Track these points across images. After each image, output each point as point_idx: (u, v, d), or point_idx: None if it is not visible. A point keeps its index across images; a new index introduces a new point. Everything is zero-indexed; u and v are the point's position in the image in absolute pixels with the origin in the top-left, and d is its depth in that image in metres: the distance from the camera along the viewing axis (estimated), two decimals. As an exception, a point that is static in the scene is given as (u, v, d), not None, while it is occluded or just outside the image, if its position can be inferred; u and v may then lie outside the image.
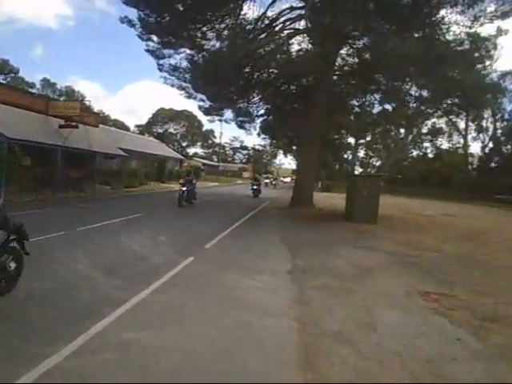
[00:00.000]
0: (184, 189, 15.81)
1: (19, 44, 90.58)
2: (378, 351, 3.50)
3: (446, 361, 3.40)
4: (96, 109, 50.67)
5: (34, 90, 42.54)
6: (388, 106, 20.83)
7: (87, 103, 51.75)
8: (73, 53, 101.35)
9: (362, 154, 53.11)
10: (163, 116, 67.83)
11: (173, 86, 18.71)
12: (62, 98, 42.70)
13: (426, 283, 5.86)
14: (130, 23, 15.63)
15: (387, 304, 4.80)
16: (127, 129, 55.78)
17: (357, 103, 21.45)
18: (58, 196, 16.78)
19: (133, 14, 15.61)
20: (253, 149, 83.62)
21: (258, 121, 24.61)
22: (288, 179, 56.35)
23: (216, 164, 66.79)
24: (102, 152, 21.49)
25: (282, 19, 16.69)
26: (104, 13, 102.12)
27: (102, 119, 36.36)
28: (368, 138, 45.24)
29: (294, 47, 18.03)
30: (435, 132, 45.37)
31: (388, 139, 44.67)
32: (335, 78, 18.71)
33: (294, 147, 33.25)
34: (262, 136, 32.83)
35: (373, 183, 13.35)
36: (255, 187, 25.12)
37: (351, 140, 42.98)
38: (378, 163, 52.65)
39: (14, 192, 14.75)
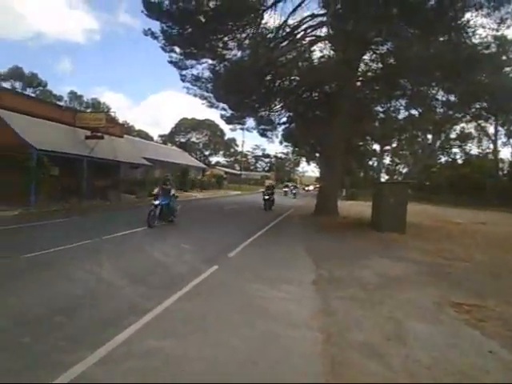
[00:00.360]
0: (156, 202, 11.38)
1: (47, 58, 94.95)
2: (408, 364, 3.38)
3: (478, 373, 3.26)
4: (121, 120, 52.02)
5: (61, 103, 44.36)
6: (414, 112, 20.38)
7: (112, 114, 52.87)
8: (99, 65, 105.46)
9: (387, 160, 52.05)
10: (186, 125, 69.03)
11: (195, 95, 18.93)
12: (88, 110, 44.10)
13: (457, 294, 5.62)
14: (154, 35, 15.94)
15: (416, 315, 4.64)
16: (151, 139, 57.02)
17: (381, 109, 21.09)
18: (84, 205, 17.18)
19: (156, 26, 15.93)
20: (275, 157, 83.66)
21: (280, 129, 24.46)
22: (311, 187, 53.42)
23: (238, 172, 67.06)
24: (127, 162, 21.94)
25: (304, 27, 16.61)
26: (128, 26, 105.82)
27: (127, 130, 37.30)
28: (394, 145, 44.26)
29: (316, 54, 17.94)
30: (464, 137, 44.07)
31: (415, 145, 43.59)
32: (358, 84, 18.45)
33: (317, 154, 32.84)
34: (285, 144, 32.74)
35: (400, 190, 12.91)
36: (267, 197, 20.98)
37: (376, 146, 42.28)
38: (404, 170, 51.40)
39: (42, 201, 15.20)
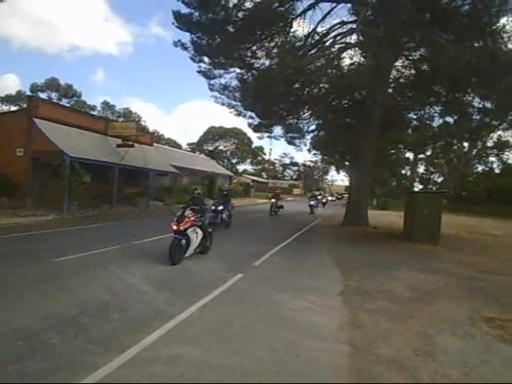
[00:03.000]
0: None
1: (82, 69, 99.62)
2: (437, 379, 3.27)
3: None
4: (151, 129, 53.55)
5: (94, 112, 46.11)
6: (449, 119, 19.67)
7: (143, 123, 54.94)
8: (131, 76, 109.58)
9: (421, 169, 50.32)
10: (214, 134, 69.91)
11: (223, 104, 19.04)
12: (120, 119, 45.60)
13: (492, 308, 5.43)
14: (183, 46, 16.27)
15: (448, 330, 4.51)
16: (179, 147, 58.09)
17: (415, 116, 20.54)
18: (115, 211, 17.59)
19: (186, 37, 16.32)
20: (303, 165, 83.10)
21: (309, 136, 24.21)
22: (329, 198, 50.53)
23: (265, 181, 67.04)
24: (156, 169, 22.34)
25: (333, 34, 16.50)
26: (159, 38, 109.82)
27: (156, 138, 38.23)
28: (428, 153, 42.72)
29: (346, 61, 17.75)
30: (501, 145, 42.07)
31: (450, 154, 41.92)
32: (390, 90, 18.12)
33: (347, 163, 32.15)
34: (313, 152, 32.13)
35: (434, 200, 12.53)
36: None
37: (410, 155, 41.05)
38: (439, 179, 49.50)
39: (74, 207, 15.70)
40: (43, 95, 45.27)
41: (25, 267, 6.46)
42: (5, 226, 11.39)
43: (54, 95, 49.86)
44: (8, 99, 48.54)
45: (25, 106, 20.75)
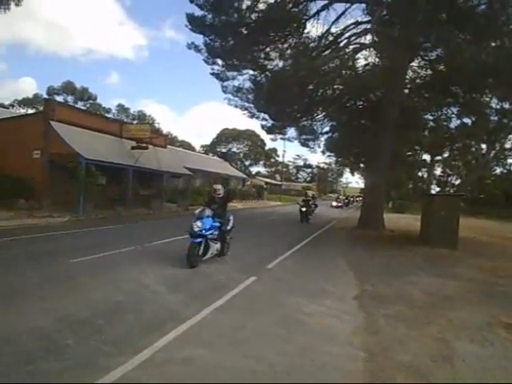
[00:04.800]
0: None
1: (98, 73, 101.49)
2: None
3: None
4: (164, 131, 54.05)
5: (109, 115, 46.78)
6: (467, 120, 19.27)
7: (157, 126, 55.52)
8: (145, 79, 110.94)
9: (438, 171, 49.35)
10: (227, 136, 70.15)
11: (236, 106, 19.04)
12: (134, 122, 46.13)
13: (510, 314, 5.31)
14: (197, 49, 16.33)
15: (466, 336, 4.44)
16: (193, 149, 58.43)
17: (431, 117, 20.27)
18: (129, 213, 17.74)
19: (199, 40, 16.33)
20: (317, 167, 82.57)
21: (323, 138, 24.03)
22: (333, 203, 43.48)
23: (279, 183, 66.89)
24: (170, 171, 22.48)
25: (347, 34, 16.35)
26: (173, 41, 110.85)
27: (170, 140, 38.49)
28: (445, 155, 41.84)
29: (360, 62, 17.58)
30: (520, 147, 40.93)
31: (468, 155, 40.98)
32: (406, 91, 17.88)
33: (362, 165, 31.75)
34: (327, 154, 31.75)
35: (451, 203, 12.26)
36: (304, 209, 19.41)
37: (426, 157, 40.25)
38: (457, 182, 48.47)
39: (89, 208, 15.88)
40: (59, 98, 46.24)
41: (41, 268, 6.53)
42: (22, 226, 11.59)
43: (69, 98, 50.87)
44: (25, 102, 49.71)
45: (41, 108, 21.08)
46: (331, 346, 3.92)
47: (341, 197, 50.61)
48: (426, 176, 46.63)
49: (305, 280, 6.96)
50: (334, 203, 43.39)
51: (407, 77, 16.89)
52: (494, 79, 13.14)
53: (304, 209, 19.37)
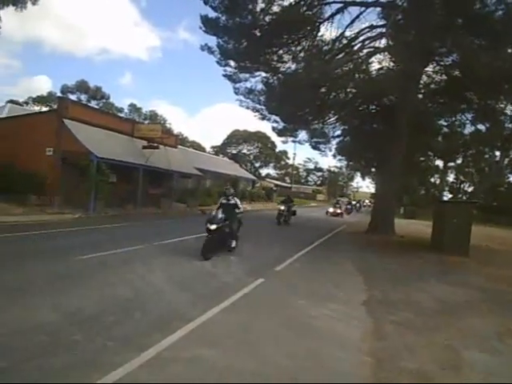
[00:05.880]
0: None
1: (111, 72, 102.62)
2: None
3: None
4: (175, 131, 54.21)
5: (122, 114, 47.14)
6: (481, 127, 18.98)
7: (168, 126, 55.77)
8: (158, 79, 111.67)
9: (451, 178, 48.68)
10: (238, 137, 70.10)
11: (248, 108, 19.04)
12: (146, 121, 46.43)
13: None
14: (210, 50, 16.40)
15: (475, 345, 4.37)
16: (203, 150, 58.57)
17: (445, 123, 20.03)
18: (138, 211, 17.86)
19: (212, 41, 16.41)
20: (328, 171, 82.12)
21: (334, 142, 23.82)
22: (336, 210, 33.33)
23: (289, 185, 66.69)
24: (180, 171, 22.57)
25: (361, 38, 16.25)
26: (187, 42, 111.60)
27: (181, 141, 38.70)
28: (459, 161, 41.25)
29: (374, 66, 17.43)
30: (534, 155, 40.16)
31: (481, 162, 40.35)
32: (420, 96, 17.69)
33: (373, 169, 31.43)
34: (338, 157, 31.46)
35: (464, 210, 12.15)
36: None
37: (439, 163, 39.72)
38: (469, 189, 47.72)
39: (100, 206, 16.02)
40: (73, 97, 46.61)
41: (51, 264, 6.62)
42: (34, 223, 11.75)
43: (83, 97, 51.32)
44: (39, 100, 50.29)
45: (55, 106, 21.37)
46: (338, 350, 3.88)
47: (341, 201, 39.01)
48: (438, 182, 46.01)
49: (313, 283, 6.92)
50: (331, 209, 32.53)
51: (421, 81, 16.75)
52: (510, 85, 13.05)
53: (282, 207, 18.59)
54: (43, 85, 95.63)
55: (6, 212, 12.64)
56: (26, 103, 48.17)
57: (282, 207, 18.66)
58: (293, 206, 19.68)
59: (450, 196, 46.16)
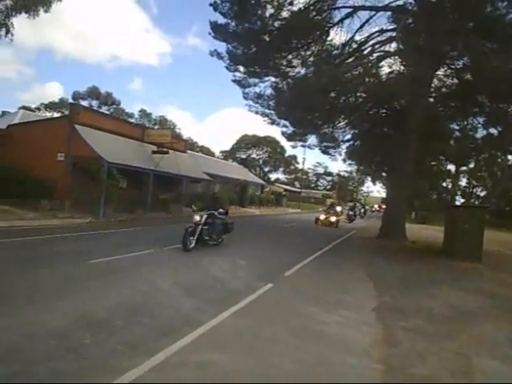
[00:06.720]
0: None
1: (122, 79, 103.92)
2: None
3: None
4: (185, 136, 54.53)
5: (132, 120, 47.66)
6: (493, 130, 18.72)
7: (177, 131, 56.15)
8: (168, 85, 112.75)
9: (463, 182, 47.95)
10: (247, 142, 70.09)
11: (257, 113, 19.08)
12: (156, 127, 46.82)
13: None
14: (219, 56, 16.53)
15: (487, 352, 4.32)
16: (212, 154, 58.78)
17: (457, 127, 19.86)
18: (148, 216, 17.93)
19: (222, 47, 16.52)
20: (338, 175, 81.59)
21: (344, 146, 23.69)
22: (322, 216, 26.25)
23: (298, 190, 66.45)
24: (189, 176, 22.64)
25: (371, 42, 16.28)
26: (196, 48, 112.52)
27: (190, 145, 38.86)
28: (471, 165, 40.62)
29: (384, 70, 17.36)
30: (547, 159, 39.30)
31: (494, 167, 39.68)
32: (431, 100, 17.55)
33: (384, 174, 31.09)
34: (348, 162, 31.24)
35: (476, 215, 11.99)
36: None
37: (451, 167, 39.18)
38: (482, 193, 46.93)
39: (110, 211, 16.13)
40: (84, 103, 47.20)
41: (61, 268, 6.65)
42: (45, 227, 11.86)
43: (94, 103, 51.99)
44: (51, 106, 51.12)
45: (67, 112, 21.66)
46: (349, 357, 3.84)
47: (338, 208, 28.64)
48: (450, 187, 45.34)
49: (323, 289, 6.87)
50: (322, 216, 24.20)
51: (432, 85, 16.67)
52: None
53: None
54: (55, 91, 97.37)
55: (18, 217, 12.81)
56: (38, 109, 48.97)
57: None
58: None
59: (463, 201, 45.47)
